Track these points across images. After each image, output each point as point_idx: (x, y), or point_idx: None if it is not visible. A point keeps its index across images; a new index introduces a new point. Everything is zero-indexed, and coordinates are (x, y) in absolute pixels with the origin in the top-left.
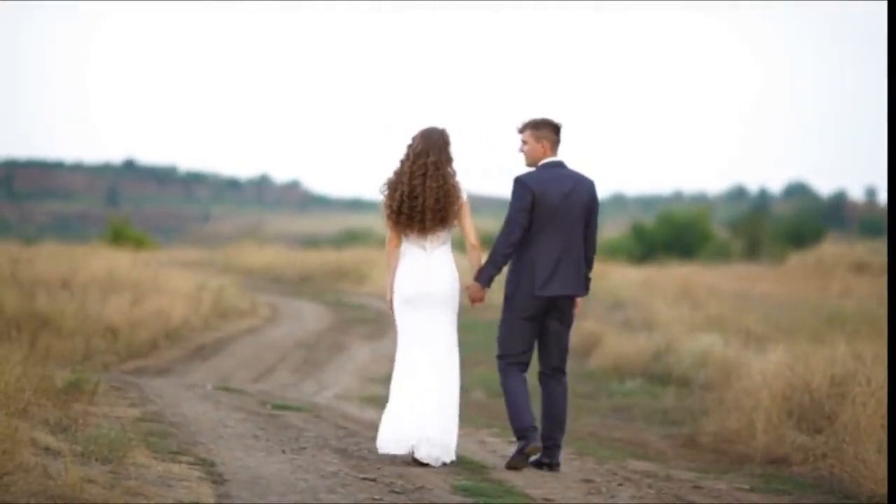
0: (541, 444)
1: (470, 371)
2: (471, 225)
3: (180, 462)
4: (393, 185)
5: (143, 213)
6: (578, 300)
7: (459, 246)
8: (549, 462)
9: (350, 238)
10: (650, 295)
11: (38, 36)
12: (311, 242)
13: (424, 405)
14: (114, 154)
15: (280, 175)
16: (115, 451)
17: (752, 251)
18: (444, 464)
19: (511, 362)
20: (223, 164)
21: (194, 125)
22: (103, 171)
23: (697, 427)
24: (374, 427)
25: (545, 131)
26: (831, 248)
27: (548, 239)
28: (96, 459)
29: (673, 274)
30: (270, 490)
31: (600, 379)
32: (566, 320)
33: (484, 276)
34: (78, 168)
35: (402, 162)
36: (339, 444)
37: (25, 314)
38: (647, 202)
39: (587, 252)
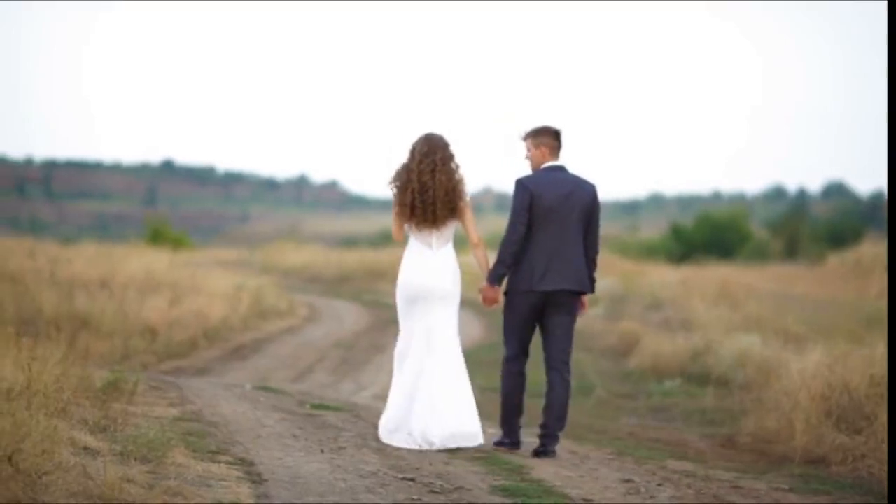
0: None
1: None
2: (473, 224)
3: (219, 462)
4: (403, 184)
5: (181, 214)
6: (584, 298)
7: (462, 244)
8: (544, 450)
9: (388, 238)
10: (689, 295)
11: (78, 37)
12: (349, 242)
13: (422, 398)
14: (152, 154)
15: (318, 175)
16: (155, 450)
17: (791, 251)
18: (454, 448)
19: (510, 357)
20: (262, 165)
21: (233, 126)
22: (142, 171)
23: (736, 427)
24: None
25: (544, 138)
26: (870, 248)
27: (545, 237)
28: (135, 459)
29: (711, 274)
30: (309, 490)
31: (639, 379)
32: (567, 315)
33: (493, 276)
34: (117, 168)
35: (408, 163)
36: (378, 444)
37: (65, 314)
38: (685, 202)
39: (589, 252)
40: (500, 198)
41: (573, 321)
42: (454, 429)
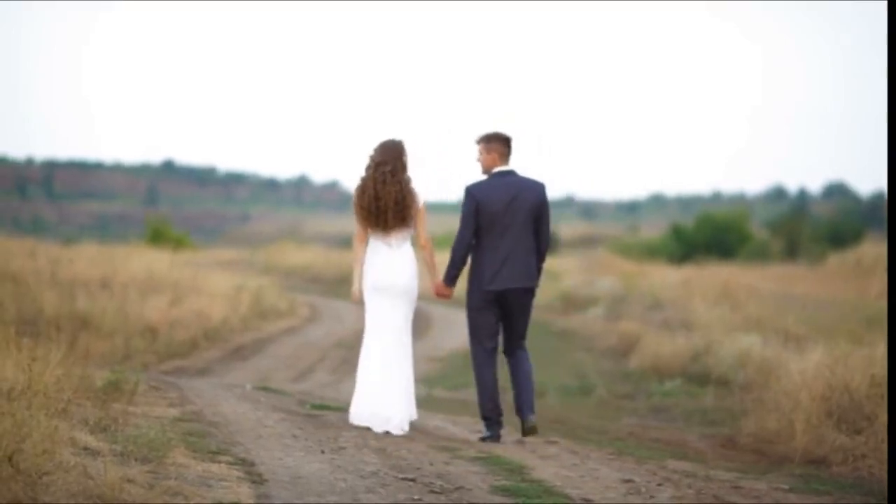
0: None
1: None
2: (423, 228)
3: (220, 462)
4: (361, 189)
5: (182, 214)
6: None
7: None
8: (525, 420)
9: None
10: (689, 295)
11: (78, 37)
12: (349, 243)
13: (388, 384)
14: (153, 155)
15: (319, 175)
16: (155, 450)
17: (792, 252)
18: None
19: (477, 349)
20: (262, 165)
21: (234, 126)
22: (143, 171)
23: (737, 427)
24: (414, 427)
25: (495, 144)
26: (871, 249)
27: (495, 239)
28: (136, 459)
29: (712, 274)
30: (310, 490)
31: (639, 379)
32: (521, 310)
33: (447, 276)
34: (117, 168)
35: (367, 169)
36: (379, 444)
37: (65, 314)
38: (686, 203)
39: (539, 246)
40: None
41: (528, 312)
42: (404, 414)
